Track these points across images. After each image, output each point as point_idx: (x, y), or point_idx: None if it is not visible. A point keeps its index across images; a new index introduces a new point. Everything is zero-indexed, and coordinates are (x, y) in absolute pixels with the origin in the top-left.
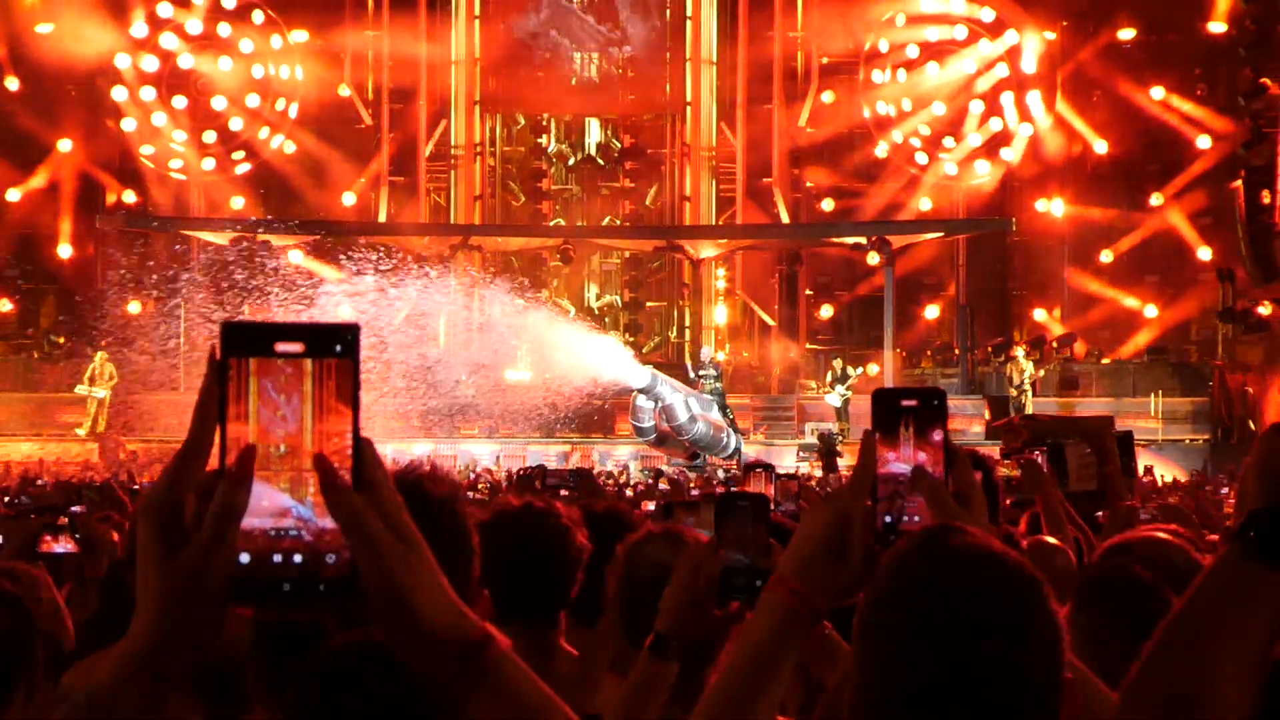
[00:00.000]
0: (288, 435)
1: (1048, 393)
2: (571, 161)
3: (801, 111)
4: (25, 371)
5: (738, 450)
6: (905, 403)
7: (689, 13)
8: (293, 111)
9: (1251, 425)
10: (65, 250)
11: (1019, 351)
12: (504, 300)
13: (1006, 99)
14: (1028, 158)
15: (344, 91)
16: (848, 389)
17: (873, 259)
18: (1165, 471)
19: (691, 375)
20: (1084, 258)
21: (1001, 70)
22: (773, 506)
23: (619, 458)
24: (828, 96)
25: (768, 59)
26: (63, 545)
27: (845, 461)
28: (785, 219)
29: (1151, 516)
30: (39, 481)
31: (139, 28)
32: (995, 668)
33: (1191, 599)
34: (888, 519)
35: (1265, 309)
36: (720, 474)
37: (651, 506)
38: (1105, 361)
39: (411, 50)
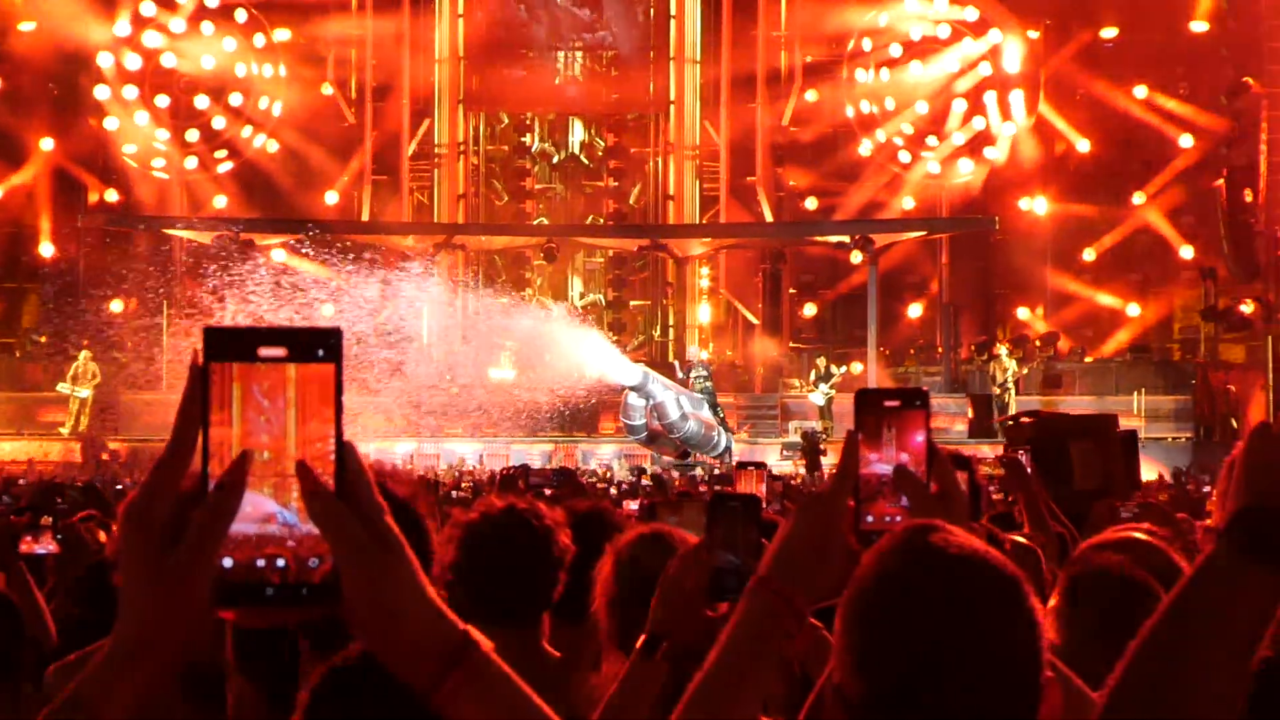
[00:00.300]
0: (270, 440)
1: (1030, 391)
2: (555, 160)
3: (785, 110)
4: (7, 371)
5: (728, 449)
6: (888, 403)
7: (673, 11)
8: (276, 110)
9: (1234, 423)
10: (47, 249)
11: (1002, 350)
12: (489, 299)
13: (989, 98)
14: (1011, 157)
15: (327, 90)
16: (831, 388)
17: (856, 258)
18: (1148, 470)
19: (680, 375)
20: (1067, 256)
21: (984, 69)
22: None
23: (602, 457)
24: (811, 95)
25: (751, 58)
26: (44, 546)
27: (829, 460)
28: (769, 218)
29: (1132, 515)
30: (21, 481)
31: (122, 26)
32: (974, 665)
33: (1178, 598)
34: (870, 519)
35: (1247, 307)
36: (699, 472)
37: (635, 506)
38: (1088, 360)
39: (394, 49)
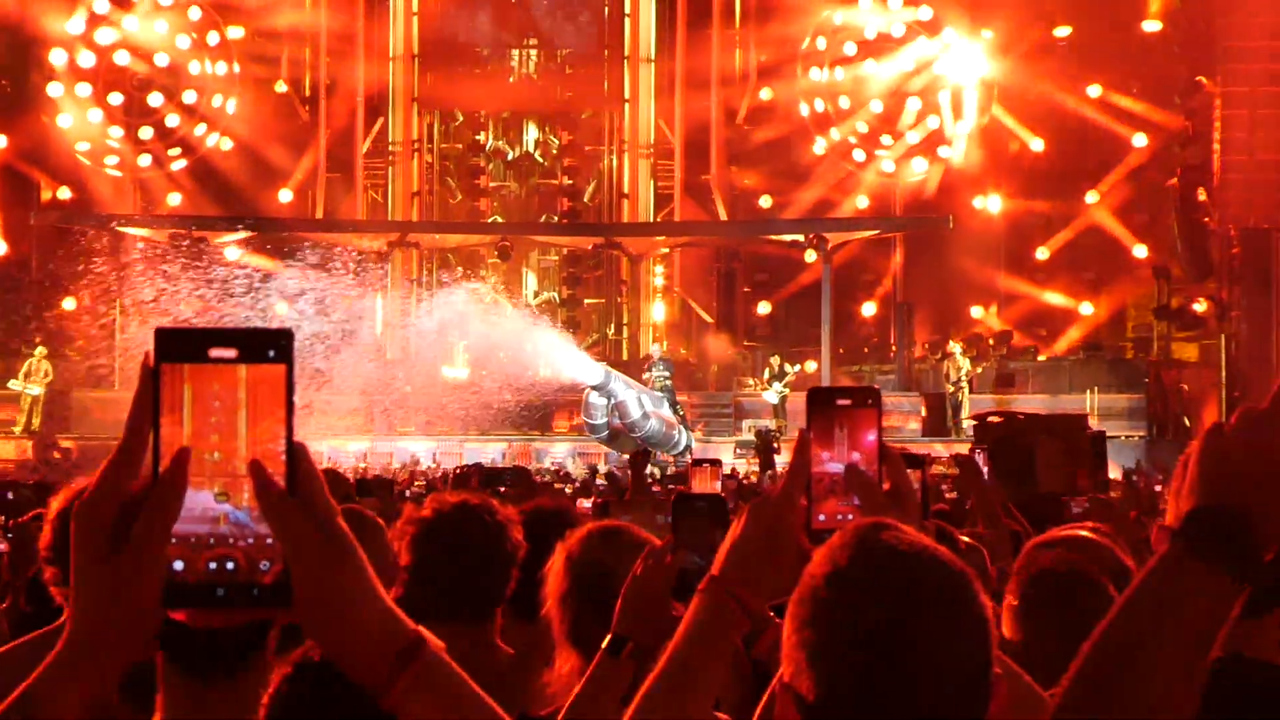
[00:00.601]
0: (222, 441)
1: (984, 390)
2: (510, 158)
3: (740, 109)
4: None
5: (688, 447)
6: (840, 402)
7: (627, 10)
8: (230, 108)
9: (1187, 421)
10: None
11: (956, 348)
12: (445, 297)
13: (943, 97)
14: (965, 155)
15: (281, 88)
16: (785, 386)
17: (810, 257)
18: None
19: (645, 375)
20: (1020, 255)
21: (939, 68)
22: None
23: (556, 455)
24: (766, 94)
25: (706, 56)
26: None
27: (782, 458)
28: (723, 216)
29: (1083, 510)
30: None
31: (75, 23)
32: (924, 662)
33: (1131, 599)
34: (821, 517)
35: (1200, 306)
36: (657, 472)
37: (588, 504)
38: (1041, 358)
39: (348, 47)
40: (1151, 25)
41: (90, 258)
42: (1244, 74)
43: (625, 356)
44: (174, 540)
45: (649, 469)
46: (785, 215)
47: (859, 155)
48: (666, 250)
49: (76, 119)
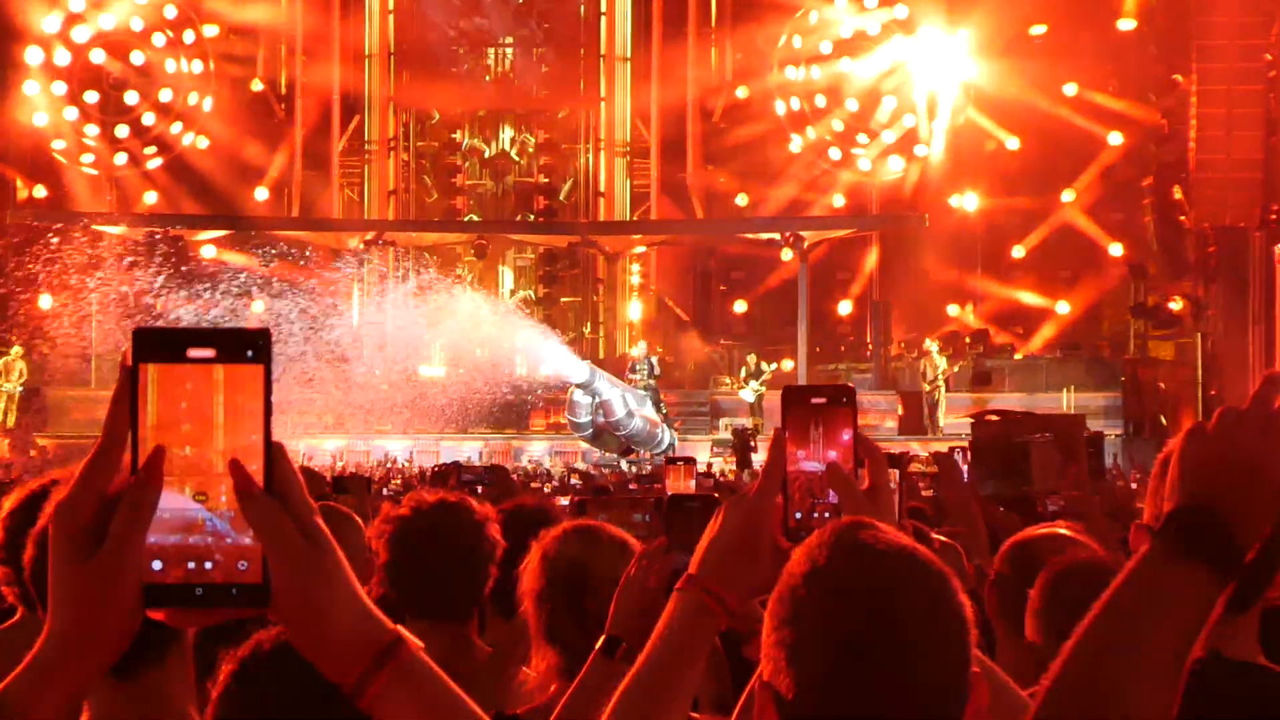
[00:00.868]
0: (200, 440)
1: (961, 388)
2: (486, 156)
3: (716, 108)
4: None
5: (671, 446)
6: (815, 400)
7: (603, 9)
8: (206, 106)
9: (1163, 420)
10: None
11: (932, 346)
12: (426, 295)
13: (919, 95)
14: (941, 154)
15: (256, 86)
16: (761, 384)
17: (786, 255)
18: None
19: (630, 373)
20: (997, 253)
21: (915, 66)
22: None
23: (533, 454)
24: (741, 93)
25: (682, 55)
26: None
27: (760, 457)
28: (700, 214)
29: (1058, 509)
30: None
31: (51, 21)
32: (902, 660)
33: (1112, 598)
34: (798, 516)
35: (1176, 304)
36: (628, 468)
37: (565, 502)
38: (1018, 356)
39: (325, 44)
40: (1127, 24)
41: (66, 256)
42: (1220, 72)
43: (601, 355)
44: (152, 540)
45: (626, 467)
46: (761, 214)
47: (835, 154)
48: (643, 249)
49: (52, 117)
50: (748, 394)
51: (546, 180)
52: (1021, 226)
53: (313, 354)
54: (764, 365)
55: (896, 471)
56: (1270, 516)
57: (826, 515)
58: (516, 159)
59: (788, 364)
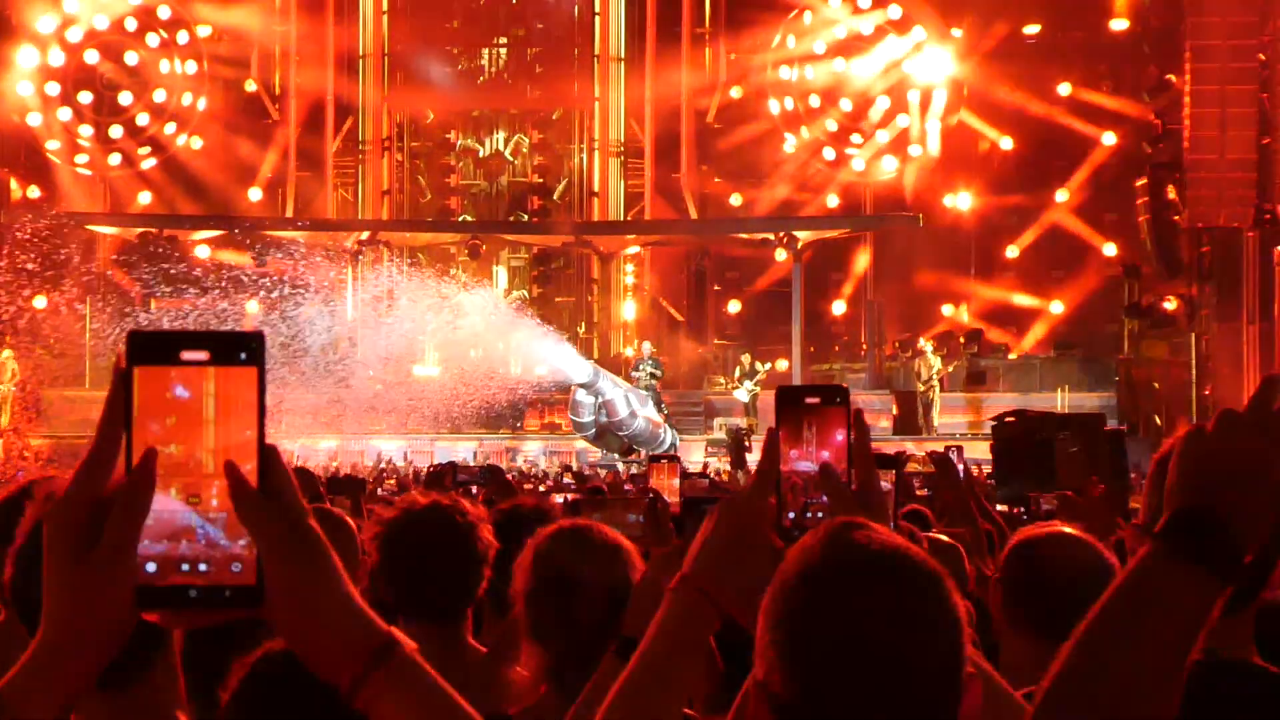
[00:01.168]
0: (193, 443)
1: (955, 388)
2: (480, 156)
3: (710, 108)
4: None
5: (673, 446)
6: (808, 400)
7: (597, 9)
8: (200, 106)
9: (1158, 420)
10: None
11: (926, 346)
12: (423, 294)
13: (913, 95)
14: (935, 154)
15: (250, 86)
16: (756, 384)
17: (780, 255)
18: None
19: (633, 373)
20: (991, 253)
21: (908, 66)
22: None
23: (529, 454)
24: (735, 93)
25: (676, 56)
26: None
27: (754, 457)
28: (694, 215)
29: (1052, 508)
30: None
31: (45, 22)
32: (896, 660)
33: (1111, 600)
34: (791, 516)
35: (1170, 304)
36: (621, 468)
37: (560, 502)
38: (1012, 356)
39: (319, 45)
40: (1119, 24)
41: (61, 257)
42: (1213, 72)
43: (596, 355)
44: (145, 543)
45: (622, 467)
46: (755, 214)
47: (829, 154)
48: (637, 249)
49: (46, 118)
50: (742, 394)
51: (540, 180)
52: (1015, 226)
53: (307, 354)
54: (758, 365)
55: (893, 473)
56: (1270, 519)
57: (820, 515)
58: (510, 159)
59: (782, 364)
